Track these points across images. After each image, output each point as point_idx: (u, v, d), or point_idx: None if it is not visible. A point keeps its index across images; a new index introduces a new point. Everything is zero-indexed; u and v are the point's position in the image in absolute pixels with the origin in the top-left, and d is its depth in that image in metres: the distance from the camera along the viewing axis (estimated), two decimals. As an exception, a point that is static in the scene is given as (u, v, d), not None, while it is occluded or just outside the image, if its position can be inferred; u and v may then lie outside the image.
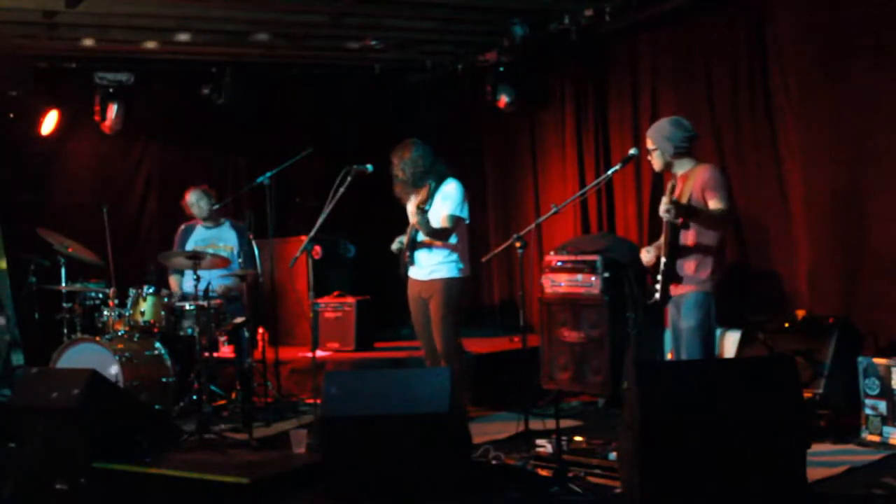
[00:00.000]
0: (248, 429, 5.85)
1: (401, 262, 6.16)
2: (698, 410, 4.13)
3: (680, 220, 4.97)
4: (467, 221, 6.11)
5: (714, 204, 4.96)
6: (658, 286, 5.08)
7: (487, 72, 8.79)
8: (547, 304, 7.30)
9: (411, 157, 6.06)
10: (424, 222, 5.91)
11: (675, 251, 5.03)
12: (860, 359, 5.52)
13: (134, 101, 8.62)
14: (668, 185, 4.99)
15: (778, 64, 6.56)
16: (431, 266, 6.06)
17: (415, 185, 6.07)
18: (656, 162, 5.23)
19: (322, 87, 9.60)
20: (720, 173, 5.14)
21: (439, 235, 5.99)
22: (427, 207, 6.00)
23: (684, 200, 4.99)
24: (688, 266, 5.04)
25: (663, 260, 5.04)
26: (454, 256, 6.06)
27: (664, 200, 4.89)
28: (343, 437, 4.60)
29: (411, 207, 6.12)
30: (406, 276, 6.21)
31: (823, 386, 5.67)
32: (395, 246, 6.15)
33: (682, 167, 5.17)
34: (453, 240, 6.05)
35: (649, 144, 5.24)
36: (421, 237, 6.02)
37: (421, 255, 6.09)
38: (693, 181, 5.05)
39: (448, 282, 6.02)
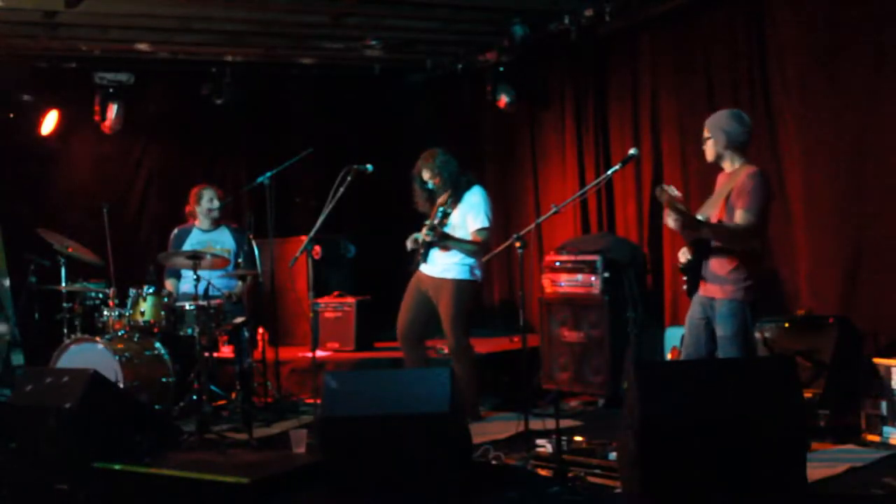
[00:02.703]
0: (248, 429, 5.85)
1: (413, 260, 6.15)
2: (698, 410, 4.13)
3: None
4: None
5: (739, 215, 4.82)
6: (686, 278, 5.05)
7: (487, 72, 8.78)
8: (547, 304, 7.30)
9: (440, 160, 6.14)
10: (447, 240, 5.99)
11: (701, 250, 4.95)
12: (860, 359, 5.52)
13: (134, 101, 8.63)
14: (666, 198, 4.80)
15: (778, 64, 6.56)
16: (445, 265, 6.06)
17: (454, 184, 6.11)
18: (709, 151, 5.05)
19: (322, 87, 9.60)
20: (761, 180, 4.89)
21: (465, 248, 6.01)
22: (448, 211, 6.04)
23: (724, 200, 4.90)
24: (715, 266, 4.94)
25: (689, 257, 4.99)
26: (470, 260, 6.05)
27: (668, 212, 4.76)
28: (343, 437, 4.60)
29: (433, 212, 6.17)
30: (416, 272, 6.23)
31: (823, 386, 5.67)
32: (409, 245, 6.14)
33: (732, 163, 5.01)
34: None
35: (706, 133, 5.08)
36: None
37: (436, 253, 6.08)
38: (735, 181, 4.93)
39: (458, 283, 6.02)
